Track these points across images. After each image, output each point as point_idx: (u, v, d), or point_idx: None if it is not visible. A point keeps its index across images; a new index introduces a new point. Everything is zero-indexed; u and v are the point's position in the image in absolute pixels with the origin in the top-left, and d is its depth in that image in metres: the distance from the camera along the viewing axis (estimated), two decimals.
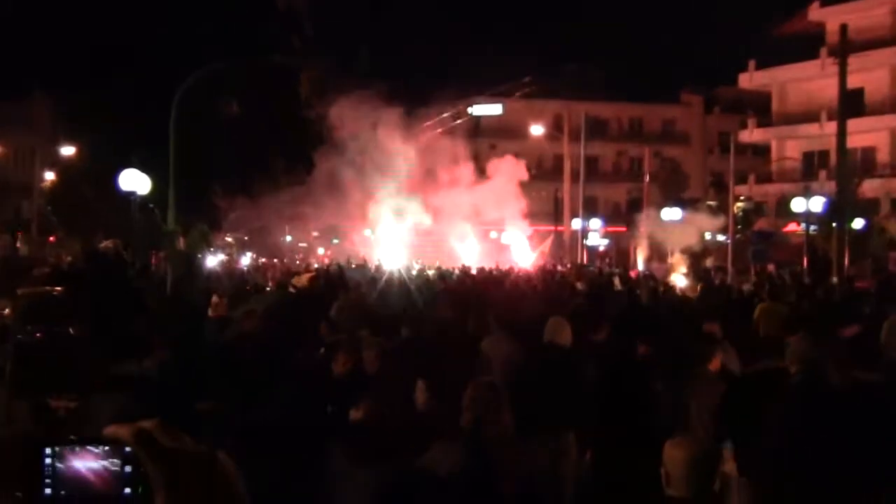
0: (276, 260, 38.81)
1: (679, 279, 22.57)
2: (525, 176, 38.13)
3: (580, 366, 7.53)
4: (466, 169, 36.54)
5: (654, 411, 5.75)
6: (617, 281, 20.77)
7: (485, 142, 49.75)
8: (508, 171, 37.48)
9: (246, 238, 47.69)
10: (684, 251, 30.97)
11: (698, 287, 17.46)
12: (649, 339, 7.92)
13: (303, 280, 16.96)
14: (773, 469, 4.87)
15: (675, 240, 32.85)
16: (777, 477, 4.84)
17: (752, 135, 56.76)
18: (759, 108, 56.87)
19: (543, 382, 6.75)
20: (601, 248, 52.45)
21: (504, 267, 29.12)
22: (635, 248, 38.89)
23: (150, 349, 7.15)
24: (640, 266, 33.97)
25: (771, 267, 32.81)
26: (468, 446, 4.70)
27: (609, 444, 6.69)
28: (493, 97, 56.55)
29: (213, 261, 22.90)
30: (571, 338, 7.68)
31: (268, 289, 17.87)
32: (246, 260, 38.35)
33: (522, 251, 38.71)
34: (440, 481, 4.61)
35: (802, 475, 4.71)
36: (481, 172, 37.45)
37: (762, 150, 58.20)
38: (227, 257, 34.11)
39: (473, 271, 25.77)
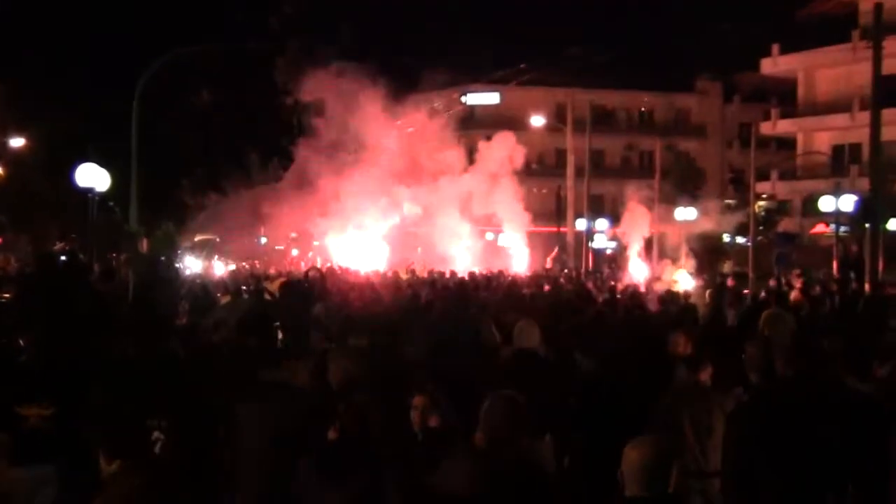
0: (245, 264, 38.89)
1: (685, 279, 22.77)
2: (522, 160, 37.78)
3: (558, 371, 7.88)
4: (458, 161, 36.46)
5: (637, 423, 5.99)
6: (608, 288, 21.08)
7: (480, 134, 49.77)
8: (502, 152, 36.98)
9: (217, 240, 47.86)
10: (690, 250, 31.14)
11: (707, 293, 17.69)
12: (647, 349, 8.23)
13: (273, 286, 17.14)
14: (736, 481, 5.15)
15: (678, 237, 32.96)
16: (740, 491, 5.13)
17: (775, 126, 57.03)
18: (784, 96, 57.16)
19: (519, 387, 7.00)
20: (608, 251, 52.55)
21: (494, 270, 29.14)
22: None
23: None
24: (635, 267, 33.93)
25: (795, 273, 32.95)
26: (481, 465, 4.85)
27: (589, 451, 6.97)
28: (488, 84, 56.83)
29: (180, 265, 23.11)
30: (540, 340, 8.20)
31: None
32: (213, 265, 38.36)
33: (521, 255, 38.73)
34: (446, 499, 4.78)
35: (763, 485, 4.99)
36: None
37: (787, 144, 58.48)
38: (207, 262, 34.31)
39: (459, 276, 25.83)
